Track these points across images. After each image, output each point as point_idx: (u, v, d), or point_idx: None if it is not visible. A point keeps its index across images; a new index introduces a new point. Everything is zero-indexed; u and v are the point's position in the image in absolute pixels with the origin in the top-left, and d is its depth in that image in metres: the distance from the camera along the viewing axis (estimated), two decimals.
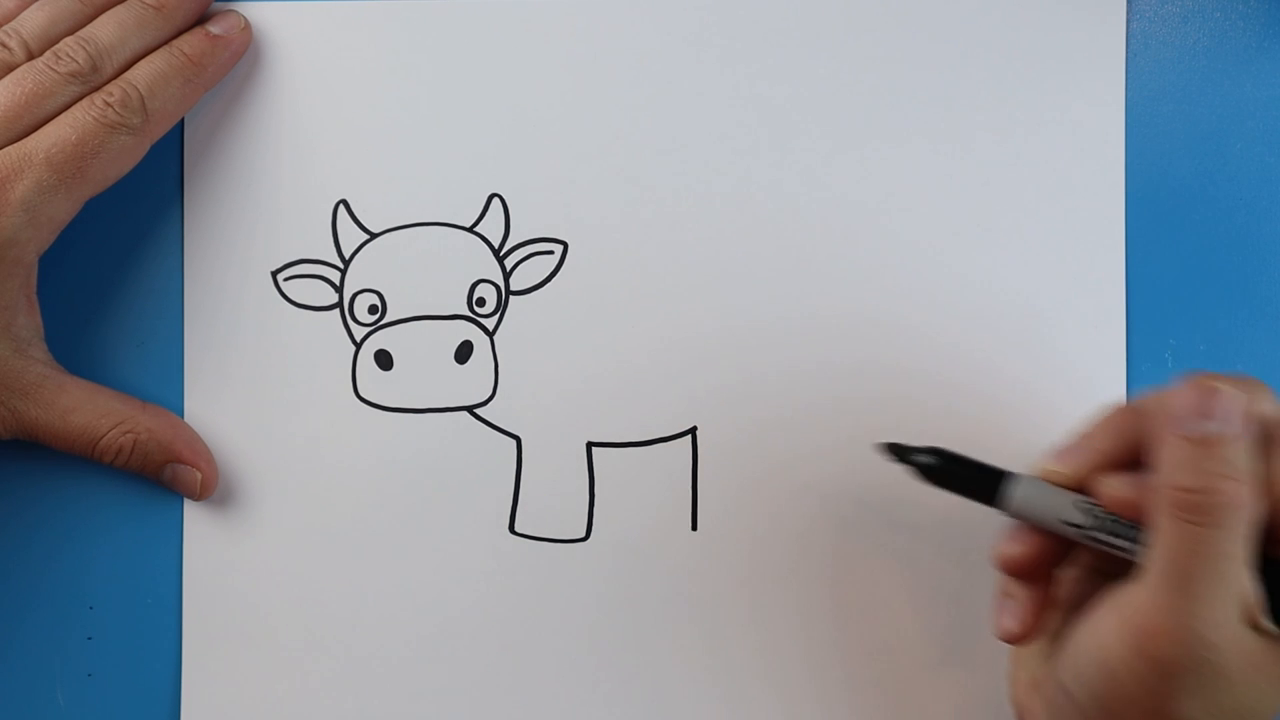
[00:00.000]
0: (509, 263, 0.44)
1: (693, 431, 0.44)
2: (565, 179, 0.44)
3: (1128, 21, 0.44)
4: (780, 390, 0.44)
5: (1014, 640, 0.37)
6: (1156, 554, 0.33)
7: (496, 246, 0.44)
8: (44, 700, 0.45)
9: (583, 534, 0.44)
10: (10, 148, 0.40)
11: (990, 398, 0.43)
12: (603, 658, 0.44)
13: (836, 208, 0.44)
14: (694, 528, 0.44)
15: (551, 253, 0.44)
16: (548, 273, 0.44)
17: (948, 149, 0.44)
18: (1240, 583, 0.33)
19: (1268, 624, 0.33)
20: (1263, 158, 0.44)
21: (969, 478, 0.38)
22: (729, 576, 0.44)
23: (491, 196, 0.44)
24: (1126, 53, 0.44)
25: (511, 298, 0.44)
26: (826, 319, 0.44)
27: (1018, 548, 0.37)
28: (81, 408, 0.42)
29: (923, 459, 0.38)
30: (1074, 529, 0.36)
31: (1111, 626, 0.34)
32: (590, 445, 0.44)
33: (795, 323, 0.44)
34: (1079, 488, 0.36)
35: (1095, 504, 0.36)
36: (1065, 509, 0.36)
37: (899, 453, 0.39)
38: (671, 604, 0.44)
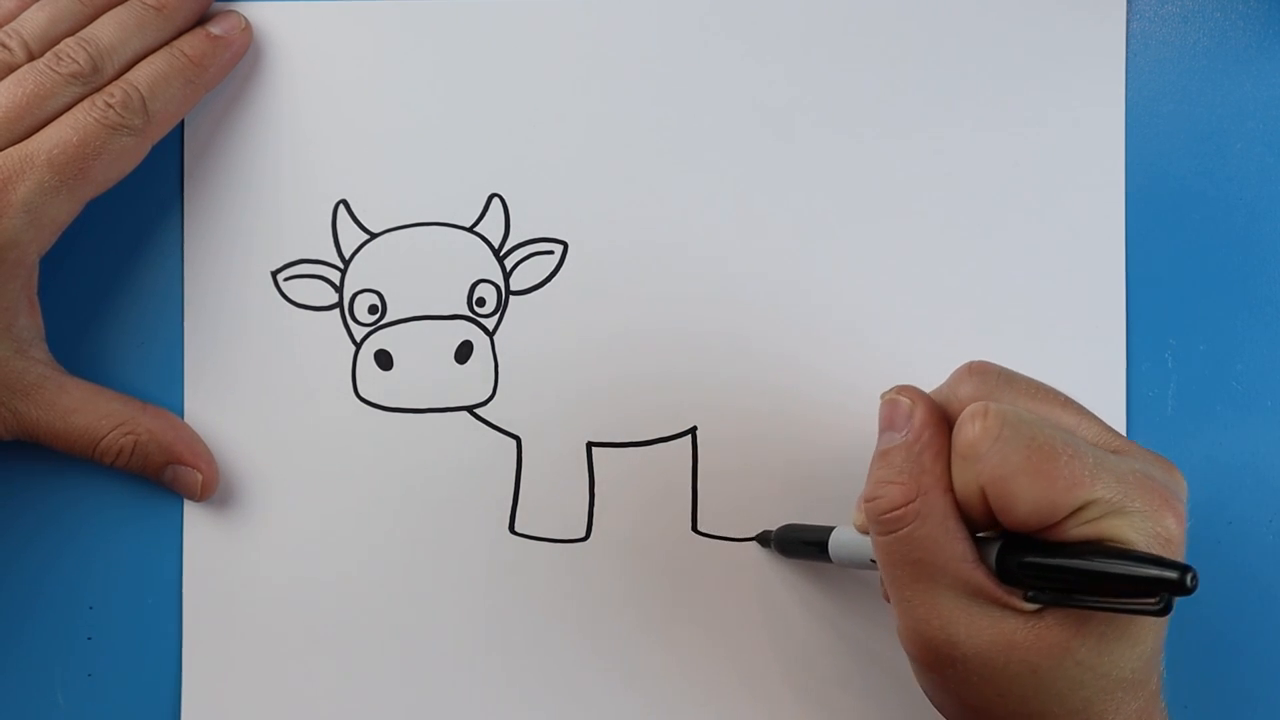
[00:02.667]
0: (509, 263, 0.44)
1: (693, 431, 0.44)
2: (565, 179, 0.44)
3: (1128, 21, 0.44)
4: (780, 390, 0.44)
5: (888, 601, 0.38)
6: (879, 565, 0.35)
7: (496, 246, 0.44)
8: (44, 700, 0.45)
9: (583, 534, 0.44)
10: (12, 149, 0.40)
11: None
12: (603, 658, 0.44)
13: (836, 207, 0.44)
14: (694, 528, 0.44)
15: (551, 253, 0.44)
16: (548, 273, 0.44)
17: (948, 148, 0.44)
18: (948, 570, 0.33)
19: (1008, 597, 0.33)
20: (1263, 158, 0.44)
21: (809, 541, 0.40)
22: (728, 576, 0.44)
23: (491, 196, 0.44)
24: (1126, 53, 0.44)
25: (511, 298, 0.44)
26: (827, 318, 0.44)
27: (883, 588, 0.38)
28: (82, 408, 0.42)
29: (775, 538, 0.42)
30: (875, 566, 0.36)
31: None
32: (590, 445, 0.44)
33: (795, 322, 0.44)
34: None
35: None
36: (869, 551, 0.36)
37: (763, 541, 0.43)
38: (671, 604, 0.44)
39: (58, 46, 0.41)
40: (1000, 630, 0.33)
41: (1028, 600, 0.32)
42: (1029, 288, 0.43)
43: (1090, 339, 0.43)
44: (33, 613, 0.45)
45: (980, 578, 0.33)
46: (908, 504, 0.33)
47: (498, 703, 0.44)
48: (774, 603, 0.44)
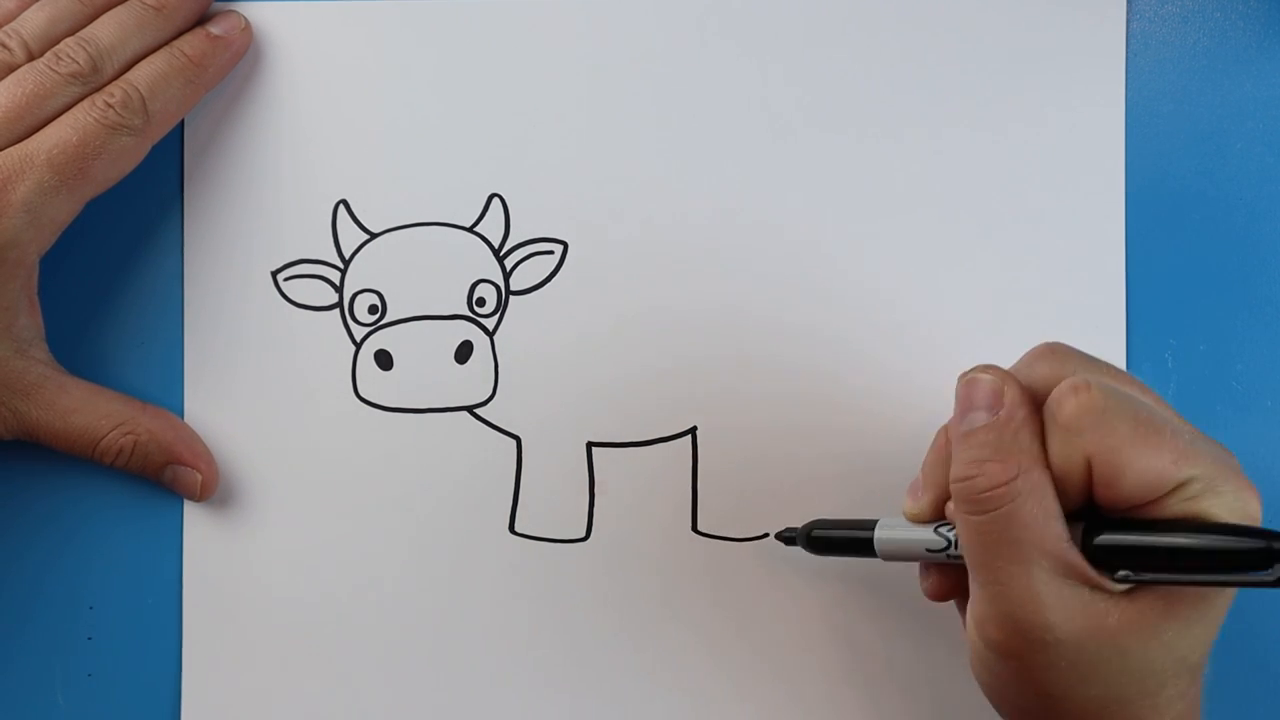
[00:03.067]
0: (509, 263, 0.44)
1: (693, 431, 0.44)
2: (565, 179, 0.44)
3: (1128, 21, 0.44)
4: (781, 390, 0.44)
5: (934, 599, 0.38)
6: (963, 549, 0.34)
7: (496, 246, 0.44)
8: (44, 700, 0.45)
9: (583, 534, 0.44)
10: (12, 149, 0.40)
11: None
12: (603, 658, 0.44)
13: (836, 207, 0.44)
14: (694, 528, 0.44)
15: (551, 253, 0.44)
16: (548, 273, 0.44)
17: (948, 149, 0.44)
18: (1046, 550, 0.32)
19: (1100, 578, 0.32)
20: (1263, 158, 0.44)
21: (848, 540, 0.40)
22: (729, 577, 0.44)
23: (491, 196, 0.44)
24: (1126, 53, 0.44)
25: (511, 298, 0.44)
26: (827, 318, 0.44)
27: (927, 582, 0.38)
28: (82, 408, 0.42)
29: (804, 536, 0.41)
30: (937, 554, 0.36)
31: (968, 619, 0.35)
32: (590, 445, 0.44)
33: (796, 322, 0.44)
34: (938, 517, 0.37)
35: (947, 527, 0.36)
36: (925, 541, 0.36)
37: (787, 539, 0.42)
38: (671, 604, 0.44)
39: (57, 46, 0.41)
40: (1093, 612, 0.32)
41: (1117, 580, 0.32)
42: (1029, 288, 0.43)
43: (1090, 339, 0.43)
44: (33, 613, 0.45)
45: (1075, 557, 0.32)
46: (1009, 481, 0.32)
47: (497, 702, 0.44)
48: (774, 603, 0.44)
